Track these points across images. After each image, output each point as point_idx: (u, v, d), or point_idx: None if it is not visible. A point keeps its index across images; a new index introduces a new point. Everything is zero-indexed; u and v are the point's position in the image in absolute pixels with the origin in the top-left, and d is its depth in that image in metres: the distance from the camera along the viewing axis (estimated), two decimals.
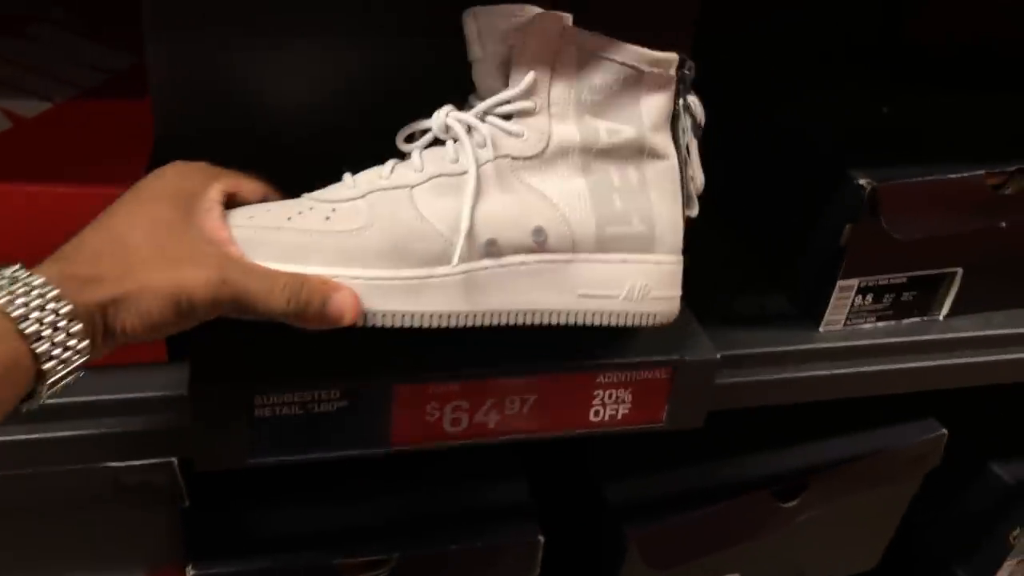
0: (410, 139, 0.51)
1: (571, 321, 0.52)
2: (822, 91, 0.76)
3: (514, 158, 0.50)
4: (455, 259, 0.48)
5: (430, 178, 0.49)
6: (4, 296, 0.38)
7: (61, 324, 0.39)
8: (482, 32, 0.49)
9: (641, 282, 0.53)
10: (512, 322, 0.51)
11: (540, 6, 0.50)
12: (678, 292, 0.56)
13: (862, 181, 0.61)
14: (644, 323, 0.53)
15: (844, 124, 0.70)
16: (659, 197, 0.53)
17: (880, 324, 0.68)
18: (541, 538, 0.66)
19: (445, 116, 0.50)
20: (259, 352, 0.51)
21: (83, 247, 0.43)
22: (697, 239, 0.73)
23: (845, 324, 0.67)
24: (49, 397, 0.41)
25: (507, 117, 0.50)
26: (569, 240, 0.51)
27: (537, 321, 0.52)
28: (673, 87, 0.52)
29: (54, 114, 0.58)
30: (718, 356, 0.57)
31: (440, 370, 0.52)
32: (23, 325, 0.38)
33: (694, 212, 0.55)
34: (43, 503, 0.57)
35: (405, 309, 0.48)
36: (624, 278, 0.52)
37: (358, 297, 0.46)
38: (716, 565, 0.76)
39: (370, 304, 0.47)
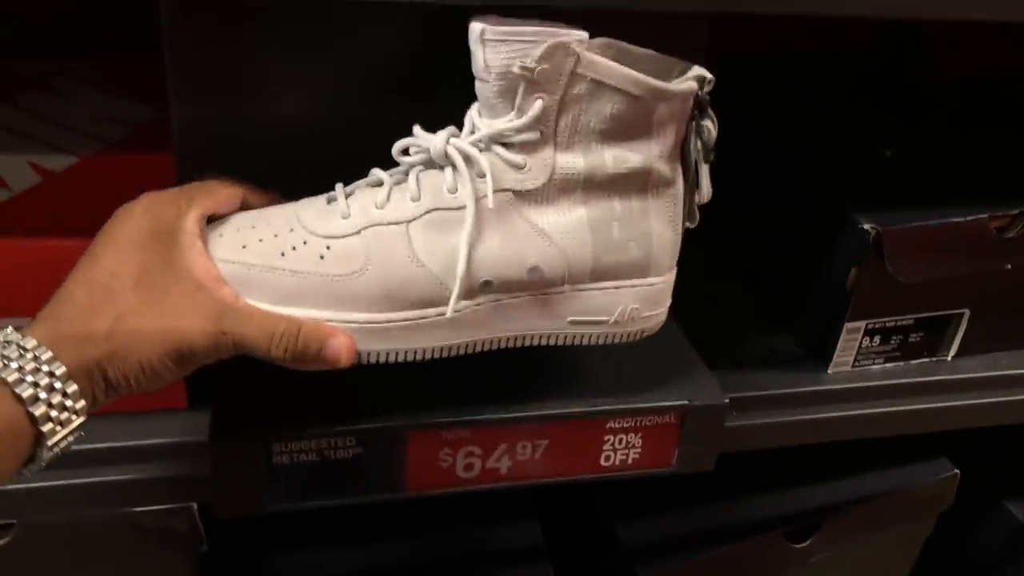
0: (407, 149, 0.49)
1: (558, 343, 0.52)
2: (826, 135, 0.77)
3: (515, 192, 0.48)
4: (450, 308, 0.48)
5: (427, 212, 0.48)
6: None
7: (57, 386, 0.39)
8: (489, 59, 0.46)
9: (632, 305, 0.52)
10: (503, 347, 0.52)
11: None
12: (666, 306, 0.55)
13: (866, 226, 0.62)
14: (630, 340, 0.54)
15: (848, 168, 0.71)
16: (659, 222, 0.52)
17: (888, 365, 0.68)
18: None
19: (445, 143, 0.48)
20: (277, 400, 0.52)
21: (70, 303, 0.43)
22: (704, 283, 0.74)
23: (853, 366, 0.67)
24: (50, 460, 0.41)
25: (509, 146, 0.48)
26: (565, 274, 0.50)
27: (526, 344, 0.52)
28: (687, 114, 0.50)
29: (81, 168, 0.60)
30: (727, 400, 0.57)
31: (452, 416, 0.53)
32: (19, 389, 0.38)
33: (693, 224, 0.54)
34: (64, 548, 0.58)
35: (399, 347, 0.49)
36: (617, 303, 0.52)
37: (353, 340, 0.47)
38: None
39: (364, 345, 0.48)
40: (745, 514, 0.74)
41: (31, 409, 0.39)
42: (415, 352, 0.49)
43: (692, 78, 0.49)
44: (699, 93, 0.49)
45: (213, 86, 0.54)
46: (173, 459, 0.55)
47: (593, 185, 0.49)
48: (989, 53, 0.84)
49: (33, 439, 0.40)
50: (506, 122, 0.47)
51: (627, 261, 0.51)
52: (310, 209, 0.49)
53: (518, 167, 0.48)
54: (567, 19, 0.47)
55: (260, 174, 0.55)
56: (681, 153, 0.51)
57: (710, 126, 0.51)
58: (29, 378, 0.39)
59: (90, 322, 0.42)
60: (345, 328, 0.47)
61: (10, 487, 0.53)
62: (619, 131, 0.48)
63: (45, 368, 0.39)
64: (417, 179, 0.48)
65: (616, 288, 0.52)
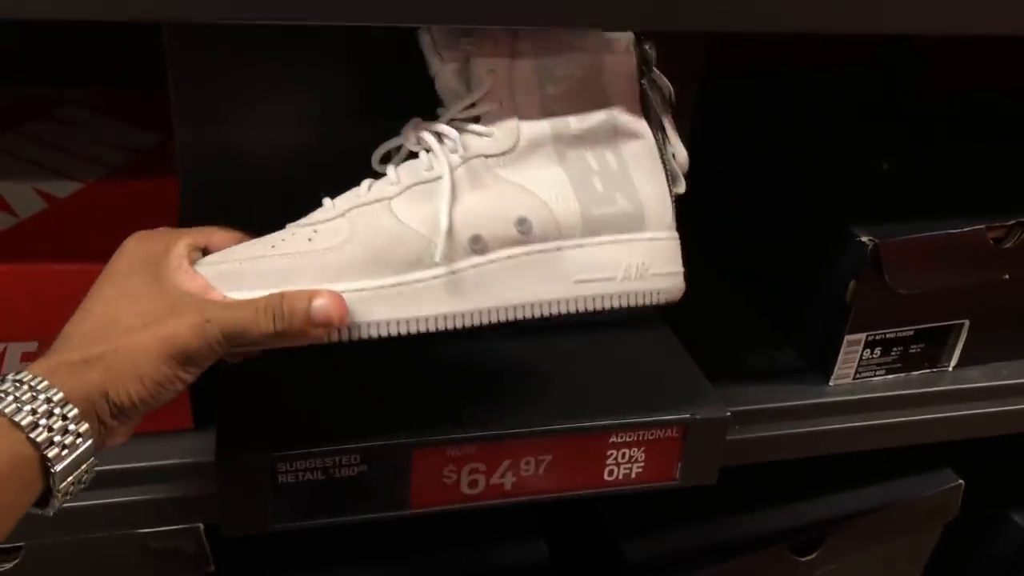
0: (385, 159, 0.51)
1: (572, 309, 0.51)
2: (823, 149, 0.78)
3: (487, 156, 0.49)
4: (437, 256, 0.47)
5: (406, 188, 0.49)
6: None
7: (56, 411, 0.40)
8: (437, 42, 0.48)
9: (637, 260, 0.52)
10: (512, 318, 0.50)
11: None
12: (679, 267, 0.54)
13: (864, 238, 0.62)
14: (649, 301, 0.52)
15: (845, 181, 0.72)
16: (641, 176, 0.52)
17: (890, 377, 0.69)
18: None
19: (414, 128, 0.50)
20: (281, 419, 0.53)
21: (71, 336, 0.43)
22: (704, 297, 0.75)
23: (855, 378, 0.68)
24: (67, 496, 0.41)
25: (475, 120, 0.49)
26: (555, 227, 0.50)
27: (537, 313, 0.51)
28: (635, 67, 0.52)
29: (86, 194, 0.61)
30: (728, 413, 0.58)
31: (457, 433, 0.54)
32: (18, 418, 0.39)
33: (681, 189, 0.54)
34: (72, 570, 0.58)
35: (395, 316, 0.48)
36: (619, 259, 0.51)
37: (341, 297, 0.46)
38: None
39: (360, 317, 0.47)
40: (750, 528, 0.74)
41: (32, 435, 0.39)
42: (416, 322, 0.48)
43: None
44: (643, 48, 0.51)
45: (215, 112, 0.55)
46: (179, 480, 0.55)
47: (562, 143, 0.51)
48: (982, 66, 0.85)
49: (41, 468, 0.40)
50: (466, 101, 0.49)
51: (619, 214, 0.52)
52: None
53: (485, 135, 0.49)
54: None
55: (264, 198, 0.56)
56: (644, 109, 0.53)
57: (662, 77, 0.52)
58: (27, 407, 0.39)
59: (86, 349, 0.42)
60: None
61: None
62: (573, 92, 0.50)
63: (42, 396, 0.40)
64: (396, 170, 0.49)
65: (614, 242, 0.52)
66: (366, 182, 0.50)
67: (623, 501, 0.75)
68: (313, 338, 0.46)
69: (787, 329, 0.71)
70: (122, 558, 0.57)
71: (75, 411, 0.40)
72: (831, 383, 0.67)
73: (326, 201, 0.50)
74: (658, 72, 0.52)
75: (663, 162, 0.53)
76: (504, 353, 0.61)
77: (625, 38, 0.51)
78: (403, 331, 0.48)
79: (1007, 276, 0.67)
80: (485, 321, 0.49)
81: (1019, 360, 0.72)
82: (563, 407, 0.56)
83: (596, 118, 0.51)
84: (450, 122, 0.49)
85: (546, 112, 0.50)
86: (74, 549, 0.57)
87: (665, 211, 0.53)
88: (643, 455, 0.57)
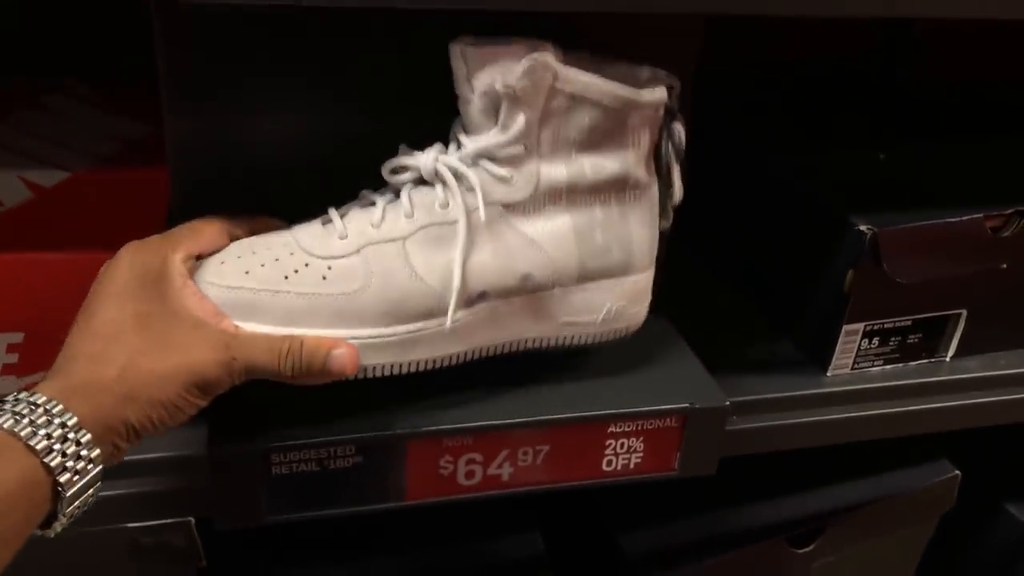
0: (396, 168, 0.51)
1: (553, 345, 0.55)
2: (820, 140, 0.77)
3: (504, 204, 0.50)
4: (450, 316, 0.49)
5: (421, 228, 0.49)
6: (9, 419, 0.39)
7: (71, 436, 0.40)
8: (472, 76, 0.48)
9: (619, 303, 0.55)
10: (499, 353, 0.53)
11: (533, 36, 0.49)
12: (646, 304, 0.57)
13: (863, 227, 0.62)
14: (618, 337, 0.56)
15: (843, 171, 0.72)
16: (638, 223, 0.54)
17: (888, 367, 0.68)
18: None
19: (434, 161, 0.50)
20: (275, 410, 0.52)
21: (76, 357, 0.43)
22: (702, 288, 0.74)
23: (852, 368, 0.67)
24: (71, 519, 0.42)
25: (497, 158, 0.50)
26: (553, 278, 0.52)
27: (521, 348, 0.54)
28: (659, 121, 0.52)
29: (73, 183, 0.60)
30: (728, 402, 0.57)
31: (453, 423, 0.53)
32: (33, 441, 0.39)
33: (668, 222, 0.56)
34: (59, 565, 0.57)
35: (402, 360, 0.50)
36: (603, 302, 0.54)
37: (356, 350, 0.48)
38: None
39: (369, 360, 0.49)
40: (748, 520, 0.74)
41: (46, 460, 0.39)
42: (418, 363, 0.51)
43: (662, 85, 0.51)
44: (668, 100, 0.52)
45: (207, 101, 0.53)
46: (170, 473, 0.54)
47: (576, 192, 0.52)
48: (979, 56, 0.85)
49: (51, 492, 0.40)
50: (491, 138, 0.49)
51: (611, 264, 0.54)
52: (307, 232, 0.50)
53: (505, 180, 0.50)
54: (548, 30, 0.49)
55: (254, 189, 0.55)
56: (655, 157, 0.54)
57: (680, 129, 0.53)
58: (42, 431, 0.39)
59: (98, 371, 0.43)
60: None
61: None
62: (596, 141, 0.51)
63: (57, 420, 0.40)
64: (409, 197, 0.50)
65: (600, 288, 0.54)
66: (379, 204, 0.50)
67: (620, 494, 0.75)
68: (319, 382, 0.48)
69: (785, 320, 0.71)
70: (111, 553, 0.56)
71: (88, 436, 0.41)
72: (829, 373, 0.67)
73: (333, 215, 0.50)
74: (678, 123, 0.53)
75: (661, 204, 0.55)
76: None
77: (657, 98, 0.51)
78: (404, 371, 0.51)
79: (1005, 265, 0.67)
80: (474, 357, 0.53)
81: (1017, 350, 0.72)
82: (561, 397, 0.56)
83: (610, 169, 0.52)
84: (471, 160, 0.50)
85: (567, 158, 0.51)
86: (61, 544, 0.55)
87: (650, 254, 0.56)
88: (642, 445, 0.56)
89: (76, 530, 0.51)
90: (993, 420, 0.70)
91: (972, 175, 0.72)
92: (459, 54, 0.48)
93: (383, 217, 0.50)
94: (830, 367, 0.67)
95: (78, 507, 0.42)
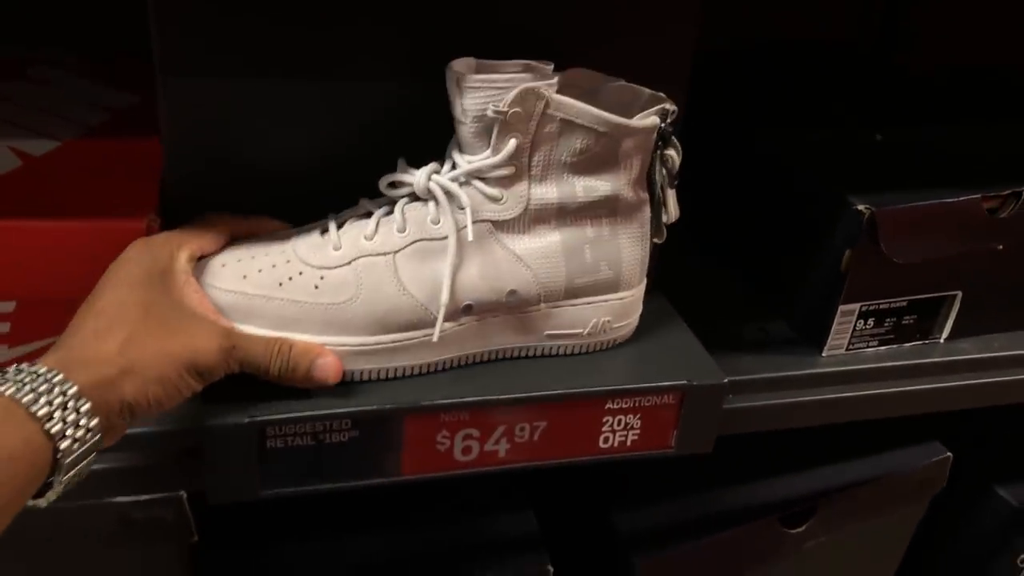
0: (393, 183, 0.53)
1: (536, 354, 0.56)
2: (816, 122, 0.77)
3: (493, 223, 0.52)
4: (437, 329, 0.51)
5: (412, 243, 0.51)
6: (11, 387, 0.40)
7: (71, 404, 0.41)
8: (465, 103, 0.49)
9: (605, 318, 0.56)
10: (483, 360, 0.55)
11: (528, 57, 0.51)
12: (635, 318, 0.59)
13: (860, 206, 0.62)
14: (600, 350, 0.58)
15: (840, 152, 0.71)
16: (628, 241, 0.56)
17: (882, 348, 0.68)
18: (550, 568, 0.66)
19: (427, 179, 0.51)
20: (271, 384, 0.51)
21: (79, 332, 0.45)
22: (699, 268, 0.74)
23: (847, 349, 0.67)
24: (65, 489, 0.42)
25: (487, 179, 0.51)
26: (539, 295, 0.54)
27: (505, 356, 0.56)
28: (652, 146, 0.54)
29: (62, 152, 0.59)
30: (726, 380, 0.57)
31: (450, 398, 0.52)
32: (34, 408, 0.39)
33: (661, 239, 0.57)
34: (50, 538, 0.56)
35: (386, 366, 0.52)
36: (589, 317, 0.56)
37: (340, 361, 0.51)
38: None
39: (353, 365, 0.52)
40: (740, 500, 0.74)
41: (47, 426, 0.40)
42: (402, 369, 0.53)
43: (655, 112, 0.52)
44: (662, 126, 0.53)
45: (201, 66, 0.52)
46: (162, 447, 0.53)
47: (566, 213, 0.53)
48: (975, 39, 0.85)
49: (51, 458, 0.40)
50: (482, 159, 0.51)
51: (600, 281, 0.55)
52: (305, 241, 0.52)
53: (495, 199, 0.51)
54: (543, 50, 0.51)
55: (247, 161, 0.54)
56: (648, 180, 0.55)
57: (673, 155, 0.54)
58: (43, 398, 0.40)
59: (99, 346, 0.44)
60: (337, 351, 0.51)
61: None
62: (588, 163, 0.52)
63: (58, 388, 0.41)
64: (403, 212, 0.52)
65: (588, 303, 0.56)
66: (374, 216, 0.52)
67: (613, 473, 0.75)
68: (301, 386, 0.50)
69: (781, 301, 0.71)
70: (102, 527, 0.55)
71: (88, 405, 0.41)
72: (824, 354, 0.67)
73: (331, 225, 0.52)
74: (672, 149, 0.54)
75: (654, 222, 0.56)
76: None
77: (649, 125, 0.52)
78: (388, 376, 0.53)
79: (1001, 246, 0.67)
80: (457, 364, 0.55)
81: (1011, 332, 0.72)
82: (558, 374, 0.55)
83: (602, 190, 0.53)
84: (463, 179, 0.51)
85: (558, 180, 0.52)
86: (51, 517, 0.54)
87: (640, 272, 0.57)
88: (639, 422, 0.56)
89: (67, 503, 0.51)
90: (986, 401, 0.71)
91: (969, 157, 0.72)
92: (453, 78, 0.49)
93: (376, 230, 0.51)
94: (825, 347, 0.66)
95: (73, 476, 0.42)
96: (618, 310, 0.57)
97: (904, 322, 0.68)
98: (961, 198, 0.64)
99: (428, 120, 0.52)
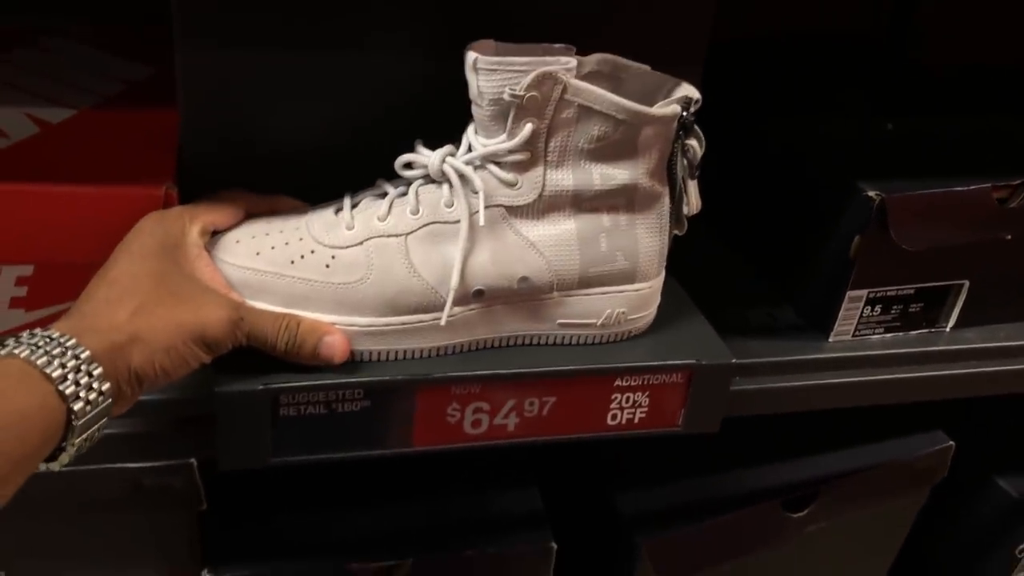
0: (408, 164, 0.53)
1: (547, 343, 0.56)
2: (829, 111, 0.77)
3: (507, 207, 0.51)
4: (445, 312, 0.51)
5: (424, 225, 0.51)
6: (26, 349, 0.41)
7: (83, 368, 0.41)
8: (482, 85, 0.49)
9: (619, 309, 0.55)
10: (494, 346, 0.55)
11: (545, 38, 0.51)
12: (652, 310, 0.58)
13: (871, 193, 0.62)
14: (615, 341, 0.57)
15: (851, 139, 0.72)
16: (646, 232, 0.55)
17: (888, 335, 0.69)
18: (554, 545, 0.66)
19: (441, 162, 0.51)
20: None
21: (92, 299, 0.45)
22: (708, 253, 0.74)
23: (854, 335, 0.68)
24: (78, 451, 0.42)
25: (503, 163, 0.51)
26: (552, 283, 0.53)
27: (517, 343, 0.55)
28: (672, 135, 0.53)
29: (79, 120, 0.59)
30: (734, 360, 0.57)
31: (462, 371, 0.53)
32: (49, 370, 0.40)
33: (682, 231, 0.56)
34: (60, 502, 0.56)
35: (396, 347, 0.52)
36: (604, 307, 0.55)
37: (347, 340, 0.51)
38: None
39: (362, 345, 0.52)
40: (743, 484, 0.74)
41: (61, 388, 0.40)
42: (411, 352, 0.53)
43: (677, 100, 0.52)
44: (684, 115, 0.52)
45: (220, 38, 0.53)
46: (174, 413, 0.54)
47: (581, 200, 0.52)
48: (987, 33, 0.85)
49: (64, 420, 0.41)
50: (498, 143, 0.50)
51: (615, 271, 0.55)
52: (319, 218, 0.52)
53: (510, 184, 0.51)
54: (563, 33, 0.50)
55: (265, 136, 0.55)
56: (668, 171, 0.54)
57: (695, 145, 0.53)
58: (57, 361, 0.40)
59: (111, 313, 0.44)
60: (347, 331, 0.51)
61: None
62: (606, 151, 0.51)
63: (71, 352, 0.41)
64: (417, 194, 0.52)
65: (603, 293, 0.55)
66: (389, 196, 0.52)
67: (618, 455, 0.75)
68: (307, 363, 0.50)
69: (788, 288, 0.71)
70: (112, 492, 0.56)
71: (100, 370, 0.42)
72: (830, 339, 0.67)
73: (345, 207, 0.52)
74: (694, 139, 0.53)
75: (674, 213, 0.55)
76: None
77: (670, 113, 0.51)
78: (397, 358, 0.53)
79: (1009, 236, 0.67)
80: (466, 349, 0.54)
81: (1017, 323, 0.72)
82: (569, 350, 0.56)
83: (620, 179, 0.52)
84: (479, 161, 0.51)
85: (575, 166, 0.52)
86: (62, 481, 0.55)
87: (656, 262, 0.56)
88: (647, 400, 0.56)
89: (79, 467, 0.51)
90: (989, 391, 0.71)
91: (979, 148, 0.73)
92: (471, 62, 0.49)
93: (389, 211, 0.51)
94: (832, 333, 0.67)
95: (85, 440, 0.42)
96: (634, 301, 0.56)
97: (911, 310, 0.68)
98: (971, 187, 0.64)
99: (453, 101, 0.51)
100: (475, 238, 0.51)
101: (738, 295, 0.71)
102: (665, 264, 0.58)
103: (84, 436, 0.42)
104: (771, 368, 0.64)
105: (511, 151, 0.50)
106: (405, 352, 0.52)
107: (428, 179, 0.52)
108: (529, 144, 0.50)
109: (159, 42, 0.58)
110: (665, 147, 0.53)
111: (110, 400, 0.42)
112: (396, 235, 0.51)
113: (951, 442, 0.78)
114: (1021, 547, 0.83)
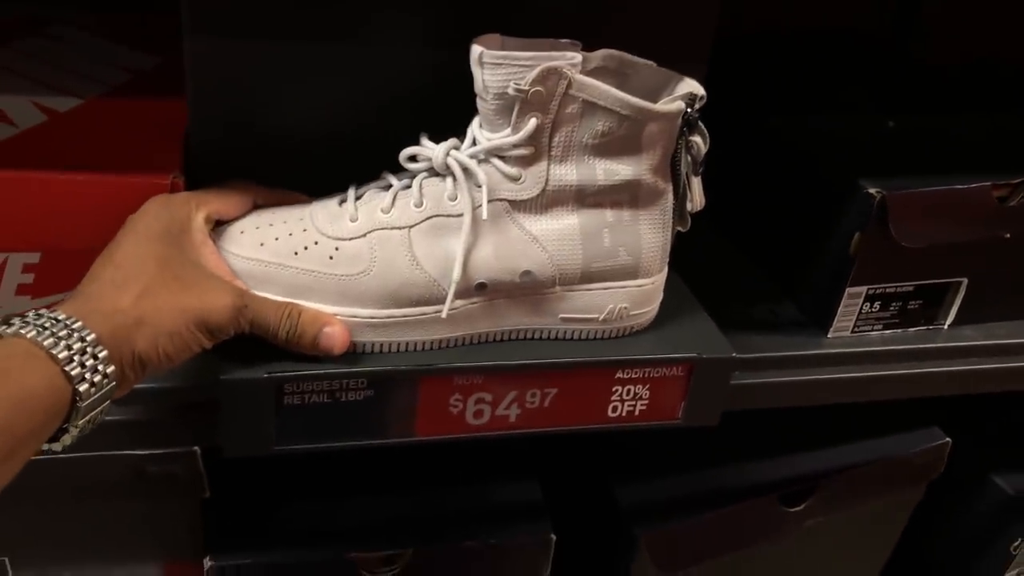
0: (412, 157, 0.53)
1: (549, 338, 0.56)
2: (830, 108, 0.78)
3: (510, 202, 0.52)
4: (447, 305, 0.51)
5: (427, 218, 0.51)
6: (32, 330, 0.41)
7: (89, 350, 0.42)
8: (486, 79, 0.49)
9: (621, 304, 0.56)
10: (496, 339, 0.55)
11: (551, 34, 0.51)
12: (655, 306, 0.58)
13: (871, 190, 0.62)
14: (617, 336, 0.57)
15: (853, 136, 0.72)
16: (649, 227, 0.55)
17: (887, 332, 0.69)
18: (553, 536, 0.67)
19: (445, 155, 0.51)
20: None
21: (97, 281, 0.46)
22: (709, 248, 0.75)
23: (853, 331, 0.68)
24: (80, 433, 0.43)
25: (507, 157, 0.51)
26: (554, 277, 0.54)
27: (519, 337, 0.56)
28: (676, 131, 0.53)
29: (86, 109, 0.60)
30: (734, 354, 0.58)
31: (465, 361, 0.53)
32: (55, 351, 0.40)
33: (685, 227, 0.57)
34: (63, 489, 0.57)
35: (397, 339, 0.53)
36: (605, 303, 0.55)
37: (348, 331, 0.51)
38: (723, 571, 0.77)
39: (364, 337, 0.52)
40: (741, 478, 0.75)
41: (67, 368, 0.40)
42: (413, 344, 0.53)
43: (682, 97, 0.52)
44: (688, 112, 0.52)
45: (228, 28, 0.53)
46: (178, 400, 0.54)
47: (585, 195, 0.53)
48: (990, 30, 0.85)
49: (69, 401, 0.41)
50: (502, 137, 0.50)
51: (618, 267, 0.55)
52: (323, 210, 0.53)
53: (513, 179, 0.51)
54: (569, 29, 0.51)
55: (272, 126, 0.55)
56: (672, 167, 0.54)
57: (699, 141, 0.53)
58: (63, 342, 0.41)
59: (116, 297, 0.45)
60: (349, 322, 0.51)
61: None
62: (610, 146, 0.52)
63: (77, 334, 0.41)
64: (420, 186, 0.52)
65: (605, 288, 0.55)
66: (393, 188, 0.52)
67: (617, 447, 0.76)
68: (307, 353, 0.51)
69: (788, 283, 0.71)
70: (115, 479, 0.56)
71: (105, 352, 0.42)
72: (829, 335, 0.67)
73: (349, 198, 0.53)
74: (699, 135, 0.53)
75: (677, 209, 0.55)
76: None
77: (674, 110, 0.52)
78: (399, 350, 0.53)
79: (1008, 235, 0.68)
80: (468, 342, 0.54)
81: (1014, 320, 0.73)
82: (571, 342, 0.56)
83: (623, 174, 0.53)
84: (483, 155, 0.51)
85: (579, 161, 0.52)
86: (65, 467, 0.55)
87: (658, 258, 0.56)
88: (648, 392, 0.57)
89: (82, 452, 0.52)
90: (986, 388, 0.71)
91: (980, 146, 0.73)
92: (477, 56, 0.49)
93: (393, 204, 0.52)
94: (831, 329, 0.67)
95: (88, 422, 0.43)
96: (636, 297, 0.56)
97: (909, 307, 0.69)
98: (972, 185, 0.64)
99: (459, 95, 0.52)
100: (478, 232, 0.51)
101: (740, 291, 0.71)
102: (668, 260, 0.58)
103: (87, 418, 0.42)
104: (771, 363, 0.64)
105: (515, 145, 0.50)
106: (407, 344, 0.53)
107: (432, 172, 0.52)
108: (533, 139, 0.50)
109: (166, 32, 0.59)
110: (669, 143, 0.53)
111: (114, 383, 0.43)
112: (399, 227, 0.51)
113: (948, 439, 0.79)
114: (1016, 543, 0.84)
